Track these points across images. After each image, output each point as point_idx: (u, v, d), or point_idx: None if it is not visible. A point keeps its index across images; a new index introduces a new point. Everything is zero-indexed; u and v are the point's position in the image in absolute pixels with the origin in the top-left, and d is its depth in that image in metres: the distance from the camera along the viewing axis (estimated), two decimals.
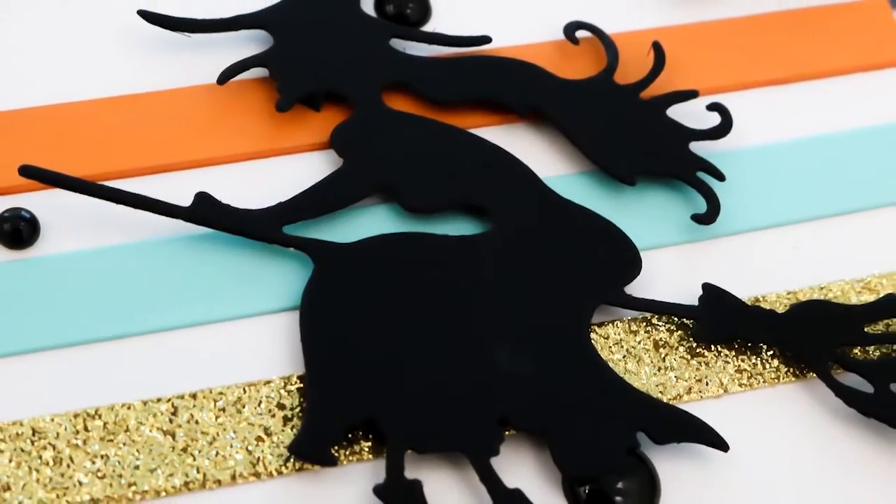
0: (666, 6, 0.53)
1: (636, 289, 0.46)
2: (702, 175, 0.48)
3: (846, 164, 0.50)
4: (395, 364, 0.43)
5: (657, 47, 0.50)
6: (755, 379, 0.46)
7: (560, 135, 0.49)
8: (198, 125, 0.47)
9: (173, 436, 0.42)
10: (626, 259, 0.46)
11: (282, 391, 0.43)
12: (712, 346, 0.46)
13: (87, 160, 0.46)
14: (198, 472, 0.42)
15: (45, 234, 0.45)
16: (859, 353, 0.46)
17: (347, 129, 0.47)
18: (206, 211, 0.44)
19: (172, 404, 0.43)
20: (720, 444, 0.44)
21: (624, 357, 0.46)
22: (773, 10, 0.53)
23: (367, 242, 0.45)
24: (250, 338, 0.44)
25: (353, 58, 0.48)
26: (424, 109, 0.49)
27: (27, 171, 0.44)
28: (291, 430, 0.43)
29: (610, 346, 0.46)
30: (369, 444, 0.43)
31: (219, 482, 0.42)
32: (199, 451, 0.42)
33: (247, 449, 0.42)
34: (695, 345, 0.46)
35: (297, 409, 0.43)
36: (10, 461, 0.41)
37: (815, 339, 0.46)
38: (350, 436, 0.43)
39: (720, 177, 0.48)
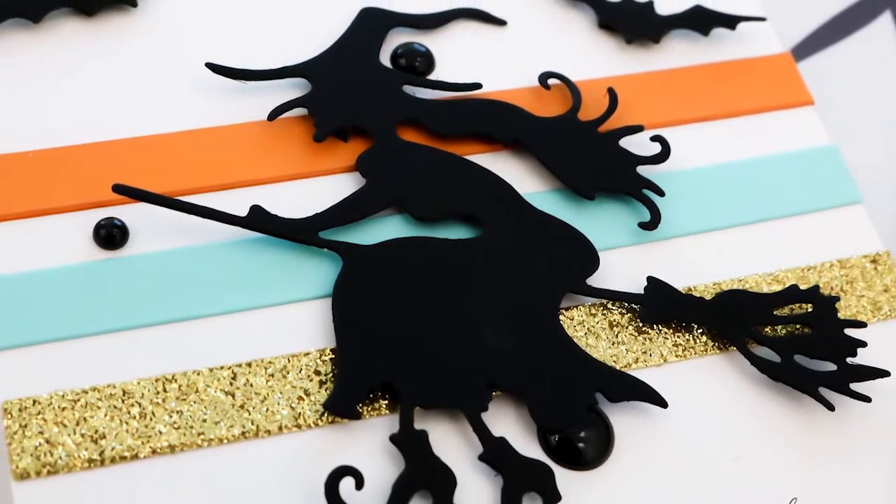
0: (618, 59, 0.53)
1: (595, 280, 0.46)
2: (646, 191, 0.48)
3: (759, 184, 0.50)
4: (407, 339, 0.43)
5: (611, 92, 0.50)
6: (688, 351, 0.46)
7: (535, 160, 0.49)
8: (252, 153, 0.47)
9: (233, 395, 0.42)
10: (587, 257, 0.46)
11: (318, 361, 0.43)
12: (655, 326, 0.46)
13: (165, 180, 0.46)
14: (252, 424, 0.42)
15: (133, 239, 0.45)
16: (770, 331, 0.46)
17: (369, 156, 0.47)
18: (258, 220, 0.45)
19: (232, 371, 0.43)
20: (661, 403, 0.44)
21: (585, 334, 0.46)
22: (702, 63, 0.53)
23: (384, 244, 0.45)
24: (293, 319, 0.44)
25: (374, 100, 0.48)
26: (430, 140, 0.48)
27: (119, 189, 0.44)
28: (325, 391, 0.43)
29: (574, 326, 0.46)
30: (386, 402, 0.43)
31: (269, 432, 0.42)
32: (254, 408, 0.42)
33: (290, 406, 0.42)
34: (641, 325, 0.46)
35: (330, 375, 0.43)
36: (106, 415, 0.41)
37: (735, 320, 0.46)
38: (371, 395, 0.43)
39: (661, 193, 0.48)
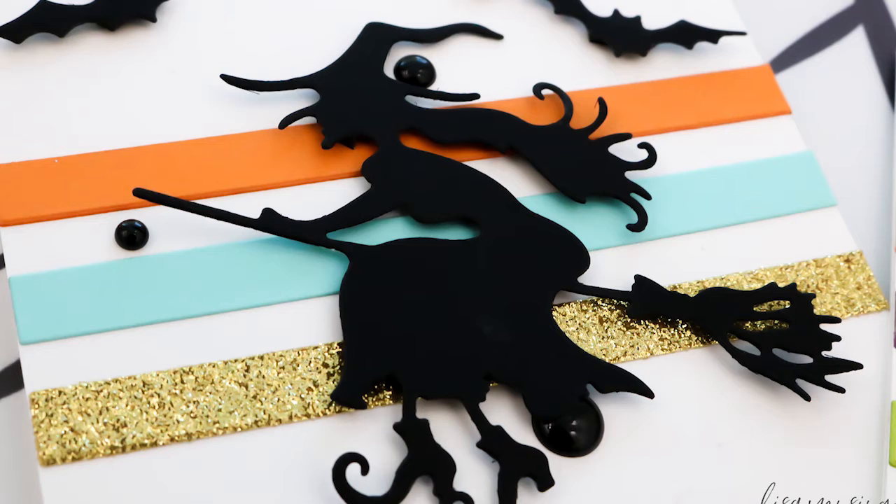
0: (608, 71, 0.53)
1: (586, 279, 0.46)
2: (634, 195, 0.48)
3: (740, 188, 0.50)
4: (409, 333, 0.43)
5: (601, 102, 0.50)
6: (673, 345, 0.46)
7: (530, 166, 0.49)
8: (264, 159, 0.47)
9: (246, 387, 0.42)
10: (579, 257, 0.46)
11: (326, 354, 0.43)
12: (642, 321, 0.46)
13: (183, 184, 0.46)
14: (264, 413, 0.42)
15: (152, 239, 0.45)
16: (750, 326, 0.46)
17: (374, 162, 0.47)
18: (270, 221, 0.44)
19: (246, 363, 0.43)
20: (647, 393, 0.44)
21: (577, 329, 0.46)
22: (687, 74, 0.53)
23: (388, 245, 0.45)
24: (303, 314, 0.44)
25: (378, 109, 0.48)
26: (431, 147, 0.48)
27: (140, 193, 0.44)
28: (333, 382, 0.43)
29: (567, 321, 0.46)
30: (390, 392, 0.43)
31: (280, 421, 0.42)
32: (266, 398, 0.42)
33: (300, 396, 0.42)
34: (629, 320, 0.46)
35: (337, 367, 0.43)
36: (127, 405, 0.41)
37: (717, 316, 0.46)
38: (376, 386, 0.43)
39: (647, 196, 0.48)
